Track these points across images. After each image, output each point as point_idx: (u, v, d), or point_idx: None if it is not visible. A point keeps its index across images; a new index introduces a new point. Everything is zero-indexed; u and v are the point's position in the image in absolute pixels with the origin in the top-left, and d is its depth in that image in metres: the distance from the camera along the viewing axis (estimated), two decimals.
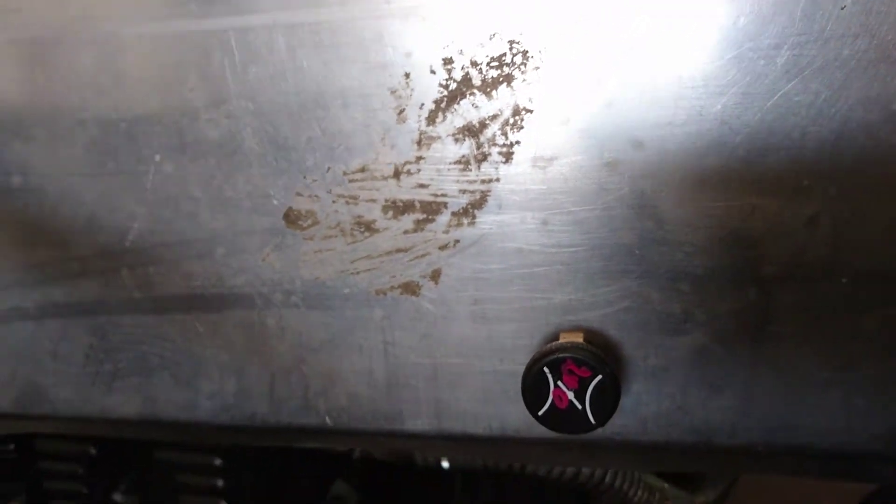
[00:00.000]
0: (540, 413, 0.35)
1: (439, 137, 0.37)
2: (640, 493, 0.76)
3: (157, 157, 0.40)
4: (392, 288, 0.39)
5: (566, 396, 0.34)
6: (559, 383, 0.34)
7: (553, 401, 0.34)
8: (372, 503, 1.08)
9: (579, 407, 0.34)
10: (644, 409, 0.38)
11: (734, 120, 0.34)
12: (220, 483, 0.70)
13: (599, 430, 0.39)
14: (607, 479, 0.72)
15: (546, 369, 0.34)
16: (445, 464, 0.73)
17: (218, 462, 0.70)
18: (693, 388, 0.38)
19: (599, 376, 0.34)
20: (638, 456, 0.41)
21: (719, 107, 0.34)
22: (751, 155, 0.34)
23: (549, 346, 0.35)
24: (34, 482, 0.74)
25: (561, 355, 0.34)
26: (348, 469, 1.01)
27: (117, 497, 0.74)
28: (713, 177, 0.35)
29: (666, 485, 0.83)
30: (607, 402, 0.34)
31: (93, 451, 0.73)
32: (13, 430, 0.49)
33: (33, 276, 0.44)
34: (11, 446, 0.76)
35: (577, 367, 0.34)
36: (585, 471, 0.71)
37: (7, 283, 0.45)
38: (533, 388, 0.34)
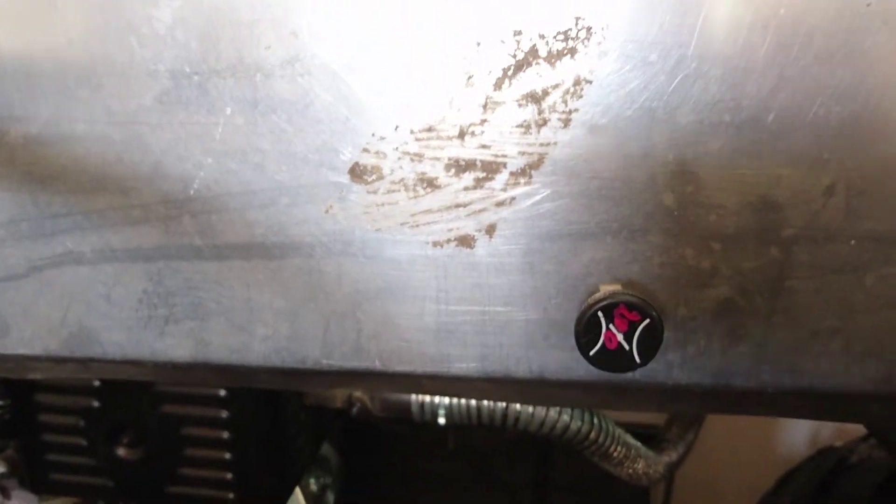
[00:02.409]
0: (591, 353, 0.39)
1: (504, 102, 0.40)
2: (619, 448, 0.82)
3: (229, 111, 0.42)
4: (448, 241, 0.43)
5: (616, 338, 0.39)
6: (611, 326, 0.38)
7: (604, 342, 0.39)
8: (352, 465, 1.12)
9: (627, 347, 0.39)
10: (671, 354, 0.43)
11: (770, 99, 0.39)
12: (225, 436, 0.73)
13: (629, 374, 0.43)
14: (592, 435, 0.78)
15: (600, 313, 0.38)
16: (442, 420, 0.77)
17: (224, 415, 0.72)
18: (716, 336, 0.43)
19: (647, 320, 0.38)
20: (663, 397, 0.46)
21: (757, 87, 0.38)
22: (781, 130, 0.39)
23: (601, 292, 0.39)
24: (32, 436, 0.75)
25: (615, 300, 0.38)
26: (333, 433, 1.04)
27: (119, 451, 0.75)
28: (748, 148, 0.39)
29: (639, 443, 0.89)
30: (652, 343, 0.38)
31: (95, 403, 0.74)
32: (56, 374, 0.50)
33: (92, 221, 0.46)
34: (7, 402, 0.76)
35: (629, 311, 0.38)
36: (573, 427, 0.77)
37: (64, 227, 0.46)
38: (586, 331, 0.39)
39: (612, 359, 0.39)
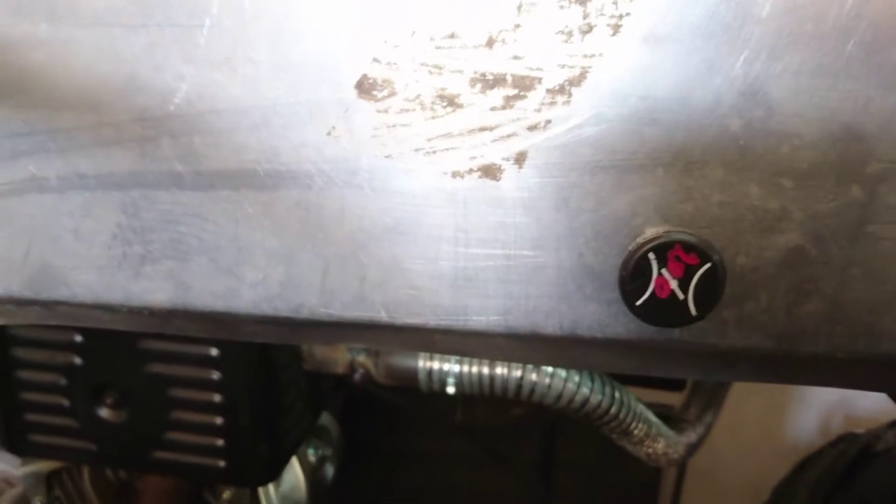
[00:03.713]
0: (638, 303, 0.33)
1: (542, 3, 0.34)
2: (640, 426, 0.76)
3: (215, 10, 0.36)
4: (470, 170, 0.37)
5: (668, 286, 0.32)
6: (663, 271, 0.32)
7: (654, 290, 0.32)
8: (352, 437, 1.06)
9: (681, 297, 0.32)
10: (726, 311, 0.37)
11: (862, 4, 0.32)
12: (216, 399, 0.67)
13: (676, 333, 0.37)
14: (612, 410, 0.72)
15: (651, 255, 0.32)
16: (451, 389, 0.71)
17: (215, 376, 0.66)
18: (780, 292, 0.36)
19: (708, 264, 0.32)
20: (712, 362, 0.39)
21: None
22: (876, 42, 0.32)
23: (652, 231, 0.33)
24: (10, 394, 0.69)
25: (669, 239, 0.32)
26: (333, 402, 0.99)
27: (102, 412, 0.70)
28: (833, 63, 0.33)
29: (661, 422, 0.83)
30: (712, 292, 0.32)
31: (76, 360, 0.68)
32: (20, 319, 0.44)
33: (57, 142, 0.40)
34: None
35: (686, 253, 0.32)
36: (594, 401, 0.71)
37: (25, 148, 0.40)
38: (634, 276, 0.32)
39: (663, 310, 0.33)
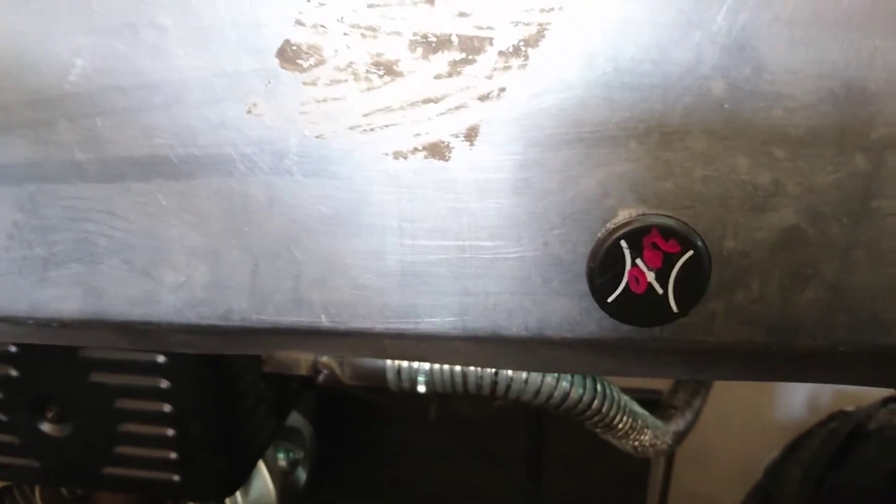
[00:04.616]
0: (610, 300, 0.28)
1: None
2: (625, 419, 0.72)
3: None
4: (415, 149, 0.32)
5: (645, 278, 0.28)
6: (638, 261, 0.27)
7: (628, 283, 0.28)
8: (327, 436, 1.01)
9: (660, 291, 0.28)
10: (713, 302, 0.32)
11: None
12: (166, 409, 0.62)
13: (655, 331, 0.32)
14: (595, 404, 0.68)
15: (624, 242, 0.27)
16: (422, 388, 0.66)
17: (164, 385, 0.61)
18: (775, 278, 0.32)
19: (690, 252, 0.27)
20: (699, 360, 0.35)
21: None
22: None
23: (625, 214, 0.28)
24: None
25: (644, 224, 0.27)
26: (304, 401, 0.94)
27: (44, 426, 0.64)
28: (832, 9, 0.28)
29: (646, 412, 0.79)
30: (696, 284, 0.28)
31: (13, 371, 0.63)
32: None
33: None
34: None
35: (665, 239, 0.27)
36: (574, 395, 0.66)
37: None
38: (604, 268, 0.28)
39: (639, 307, 0.28)
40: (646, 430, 0.78)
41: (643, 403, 0.82)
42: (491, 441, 1.20)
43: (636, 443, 0.78)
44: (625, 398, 0.74)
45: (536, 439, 1.22)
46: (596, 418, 0.70)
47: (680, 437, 0.88)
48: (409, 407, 1.11)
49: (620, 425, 0.73)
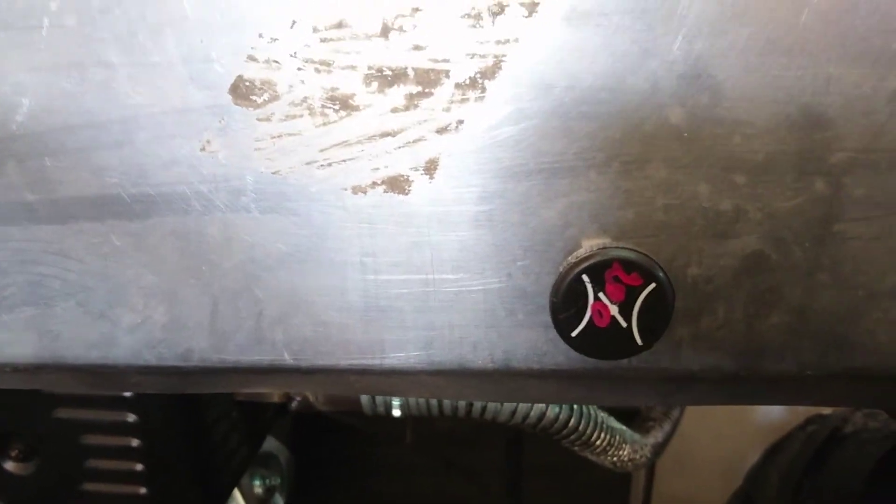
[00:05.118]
0: (574, 334, 0.27)
1: None
2: (602, 435, 0.72)
3: (54, 6, 0.30)
4: (374, 184, 0.31)
5: (608, 311, 0.27)
6: (601, 295, 0.27)
7: (591, 318, 0.27)
8: (305, 462, 1.00)
9: (624, 324, 0.27)
10: (679, 329, 0.32)
11: None
12: (134, 443, 0.61)
13: (623, 360, 0.32)
14: (572, 422, 0.68)
15: (585, 277, 0.27)
16: (397, 412, 0.66)
17: (132, 419, 0.60)
18: (740, 303, 0.31)
19: (653, 284, 0.27)
20: (667, 387, 0.34)
21: None
22: (833, 10, 0.27)
23: (585, 248, 0.28)
24: None
25: (606, 258, 0.27)
26: (280, 425, 0.92)
27: (8, 465, 0.62)
28: (786, 37, 0.28)
29: (624, 427, 0.79)
30: (659, 316, 0.27)
31: None
32: None
33: None
34: None
35: (626, 272, 0.27)
36: (551, 414, 0.66)
37: None
38: (566, 303, 0.27)
39: (604, 340, 0.28)
40: (624, 445, 0.78)
41: (620, 416, 0.81)
42: (469, 455, 1.19)
43: (615, 458, 0.78)
44: (602, 414, 0.73)
45: (515, 451, 1.21)
46: (573, 436, 0.70)
47: (659, 448, 0.88)
48: (386, 425, 1.10)
49: (598, 442, 0.72)
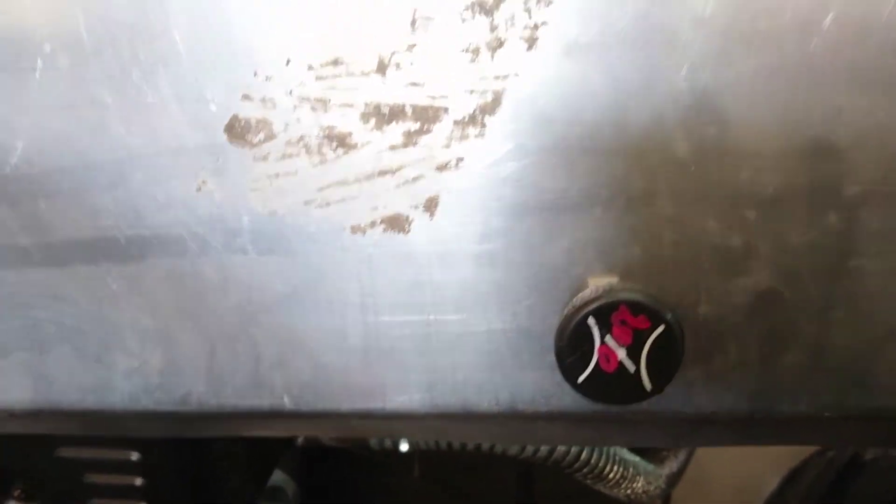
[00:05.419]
0: (580, 380, 0.26)
1: (439, 16, 0.27)
2: (615, 468, 0.70)
3: (48, 47, 0.29)
4: (373, 223, 0.30)
5: (615, 356, 0.26)
6: (607, 338, 0.26)
7: (598, 362, 0.26)
8: (313, 493, 0.98)
9: (632, 369, 0.26)
10: (690, 370, 0.31)
11: None
12: (138, 482, 0.60)
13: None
14: (583, 455, 0.66)
15: (592, 320, 0.26)
16: (404, 447, 0.64)
17: (135, 457, 0.59)
18: (753, 342, 0.30)
19: (661, 327, 0.26)
20: (680, 430, 0.33)
21: None
22: (843, 39, 0.27)
23: (591, 289, 0.27)
24: None
25: (612, 300, 0.25)
26: (287, 457, 0.91)
27: None
28: (794, 68, 0.27)
29: (638, 458, 0.77)
30: (670, 359, 0.26)
31: None
32: None
33: None
34: None
35: (633, 315, 0.26)
36: (561, 448, 0.64)
37: None
38: (572, 347, 0.26)
39: (611, 385, 0.26)
40: (638, 478, 0.76)
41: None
42: (480, 484, 1.17)
43: (628, 491, 0.76)
44: (614, 449, 0.72)
45: (526, 485, 1.19)
46: (585, 469, 0.68)
47: (674, 479, 0.86)
48: (394, 457, 1.08)
49: (611, 475, 0.71)
